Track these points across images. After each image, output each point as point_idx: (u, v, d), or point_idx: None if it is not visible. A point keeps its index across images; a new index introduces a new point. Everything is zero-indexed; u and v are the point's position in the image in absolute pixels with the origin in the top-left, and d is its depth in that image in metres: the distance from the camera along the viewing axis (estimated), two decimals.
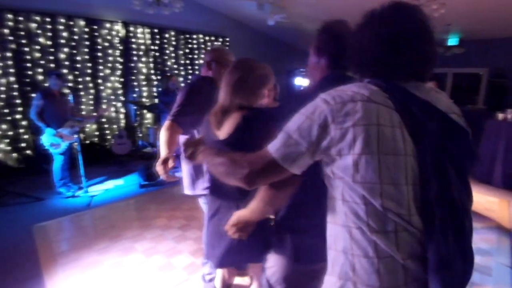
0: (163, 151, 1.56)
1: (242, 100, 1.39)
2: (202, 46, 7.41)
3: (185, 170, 2.01)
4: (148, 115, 6.63)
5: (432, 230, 0.73)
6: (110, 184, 4.55)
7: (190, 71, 7.27)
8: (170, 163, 1.47)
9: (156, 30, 6.46)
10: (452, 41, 7.15)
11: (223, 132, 1.40)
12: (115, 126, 6.08)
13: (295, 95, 1.08)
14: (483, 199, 3.84)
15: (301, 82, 8.36)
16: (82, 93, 5.61)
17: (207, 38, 7.47)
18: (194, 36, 7.21)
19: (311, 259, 1.26)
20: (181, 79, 7.03)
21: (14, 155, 4.98)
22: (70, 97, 4.23)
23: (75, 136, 4.01)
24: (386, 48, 0.80)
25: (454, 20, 5.68)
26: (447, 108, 0.83)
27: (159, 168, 1.47)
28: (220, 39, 7.75)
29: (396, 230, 0.74)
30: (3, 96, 4.79)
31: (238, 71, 1.41)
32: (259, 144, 0.99)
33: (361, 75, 0.89)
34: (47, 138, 3.81)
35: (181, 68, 7.10)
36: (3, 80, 4.77)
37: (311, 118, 0.78)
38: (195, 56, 7.31)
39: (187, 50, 7.13)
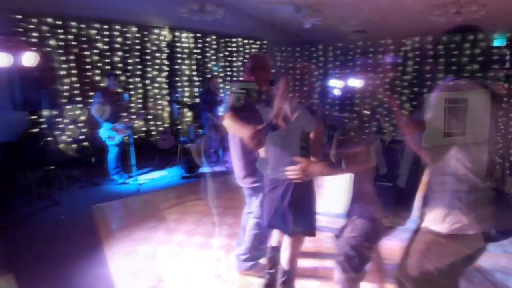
0: (245, 128, 1.69)
1: (301, 98, 1.68)
2: (241, 49, 7.78)
3: (237, 166, 2.24)
4: (189, 114, 7.11)
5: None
6: (156, 174, 5.04)
7: (229, 73, 7.67)
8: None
9: (198, 35, 6.93)
10: (498, 42, 6.85)
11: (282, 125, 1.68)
12: (160, 123, 6.62)
13: None
14: None
15: (335, 83, 8.32)
16: (132, 92, 6.19)
17: (245, 41, 7.83)
18: (233, 40, 7.60)
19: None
20: (220, 80, 7.45)
21: (74, 146, 5.63)
22: (126, 96, 4.74)
23: (127, 130, 4.50)
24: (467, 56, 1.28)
25: (500, 20, 5.47)
26: None
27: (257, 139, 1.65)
28: (258, 42, 8.07)
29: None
30: (66, 94, 5.45)
31: (295, 75, 1.69)
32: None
33: (452, 75, 1.31)
34: (104, 132, 4.33)
35: (221, 70, 7.52)
36: (67, 80, 5.43)
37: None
38: (234, 59, 7.70)
39: (226, 53, 7.54)
